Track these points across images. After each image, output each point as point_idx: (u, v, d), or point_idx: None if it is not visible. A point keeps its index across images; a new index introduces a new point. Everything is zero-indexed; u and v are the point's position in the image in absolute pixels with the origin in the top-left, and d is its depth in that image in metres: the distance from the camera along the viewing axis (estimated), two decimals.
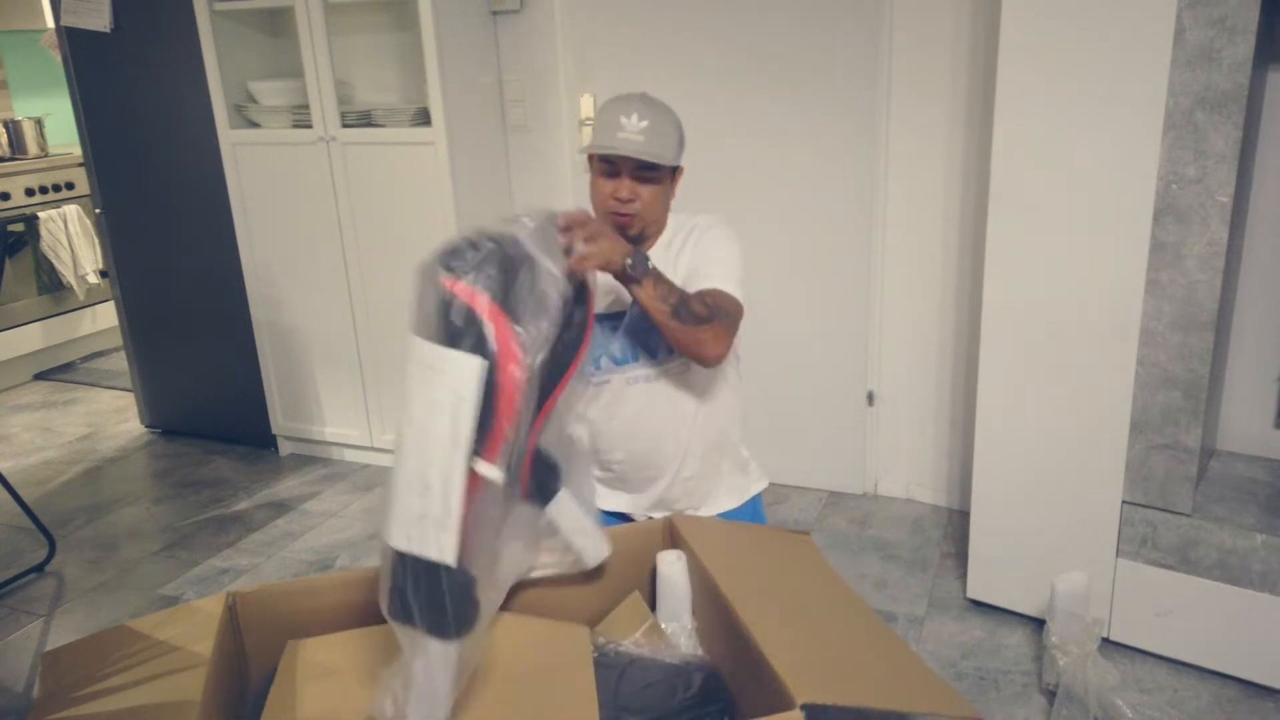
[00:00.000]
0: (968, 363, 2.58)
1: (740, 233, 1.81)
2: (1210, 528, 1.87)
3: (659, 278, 1.60)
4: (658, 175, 1.72)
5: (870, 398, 2.75)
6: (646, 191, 1.72)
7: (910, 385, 2.71)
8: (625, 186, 1.71)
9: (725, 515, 1.95)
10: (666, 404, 1.81)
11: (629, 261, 1.55)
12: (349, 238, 2.94)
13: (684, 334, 1.64)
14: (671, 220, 1.85)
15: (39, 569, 2.59)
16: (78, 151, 3.92)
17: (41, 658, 1.68)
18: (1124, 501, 1.96)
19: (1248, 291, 2.05)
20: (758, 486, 1.98)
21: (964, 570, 2.25)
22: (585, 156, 1.77)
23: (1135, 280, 1.84)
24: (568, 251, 1.41)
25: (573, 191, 2.92)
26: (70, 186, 4.31)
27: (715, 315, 1.67)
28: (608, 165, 1.71)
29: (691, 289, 1.69)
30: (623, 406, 1.81)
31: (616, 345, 1.81)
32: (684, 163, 1.80)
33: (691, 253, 1.78)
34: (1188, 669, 1.97)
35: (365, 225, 2.91)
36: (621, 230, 1.71)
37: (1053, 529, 2.06)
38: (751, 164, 2.68)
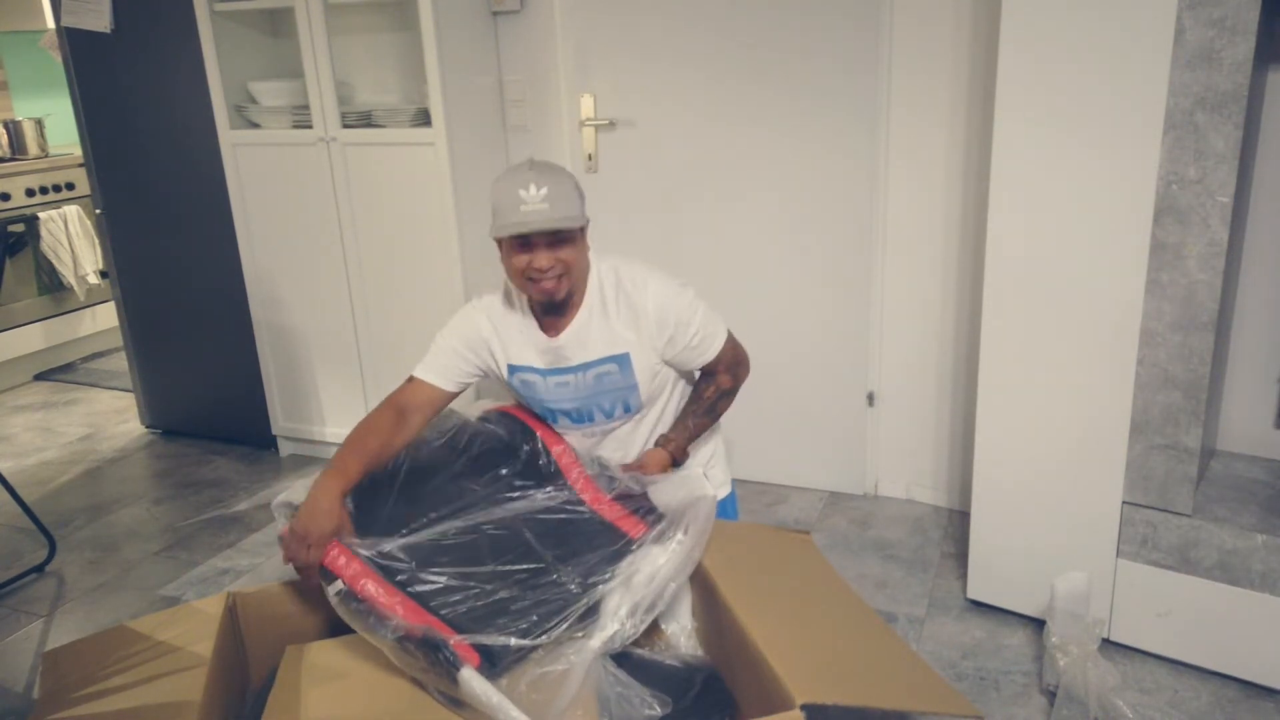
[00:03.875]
0: (968, 363, 2.58)
1: (660, 268, 1.89)
2: (1211, 528, 1.87)
3: (693, 436, 1.95)
4: (571, 236, 1.76)
5: (870, 398, 2.76)
6: (566, 254, 1.75)
7: (910, 386, 2.71)
8: (542, 257, 1.74)
9: None
10: (636, 438, 1.98)
11: (677, 457, 1.92)
12: (349, 238, 2.94)
13: (729, 405, 2.00)
14: (592, 278, 1.87)
15: (39, 569, 2.59)
16: (78, 152, 3.92)
17: (42, 658, 1.68)
18: (1124, 502, 1.96)
19: (1248, 292, 2.05)
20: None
21: (964, 570, 2.25)
22: (494, 239, 1.80)
23: (1135, 280, 1.84)
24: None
25: None
26: (70, 187, 4.31)
27: (737, 389, 1.99)
28: (519, 240, 1.74)
29: (664, 351, 1.87)
30: (606, 448, 1.98)
31: (580, 405, 1.92)
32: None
33: (639, 326, 1.84)
34: (1188, 669, 1.97)
35: (365, 225, 2.91)
36: (549, 296, 1.77)
37: (1053, 529, 2.06)
38: (751, 163, 2.68)
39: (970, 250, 2.51)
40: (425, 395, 1.89)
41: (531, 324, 1.87)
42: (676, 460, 1.92)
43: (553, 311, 1.84)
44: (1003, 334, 2.02)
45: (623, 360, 1.86)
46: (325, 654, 1.72)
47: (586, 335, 1.85)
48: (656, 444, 1.94)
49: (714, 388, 1.96)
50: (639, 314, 1.84)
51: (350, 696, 1.60)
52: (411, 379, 1.91)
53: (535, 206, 1.72)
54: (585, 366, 1.86)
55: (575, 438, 1.94)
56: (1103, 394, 1.93)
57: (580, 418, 1.92)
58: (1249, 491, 1.99)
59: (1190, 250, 1.78)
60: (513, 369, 1.91)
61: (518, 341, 1.89)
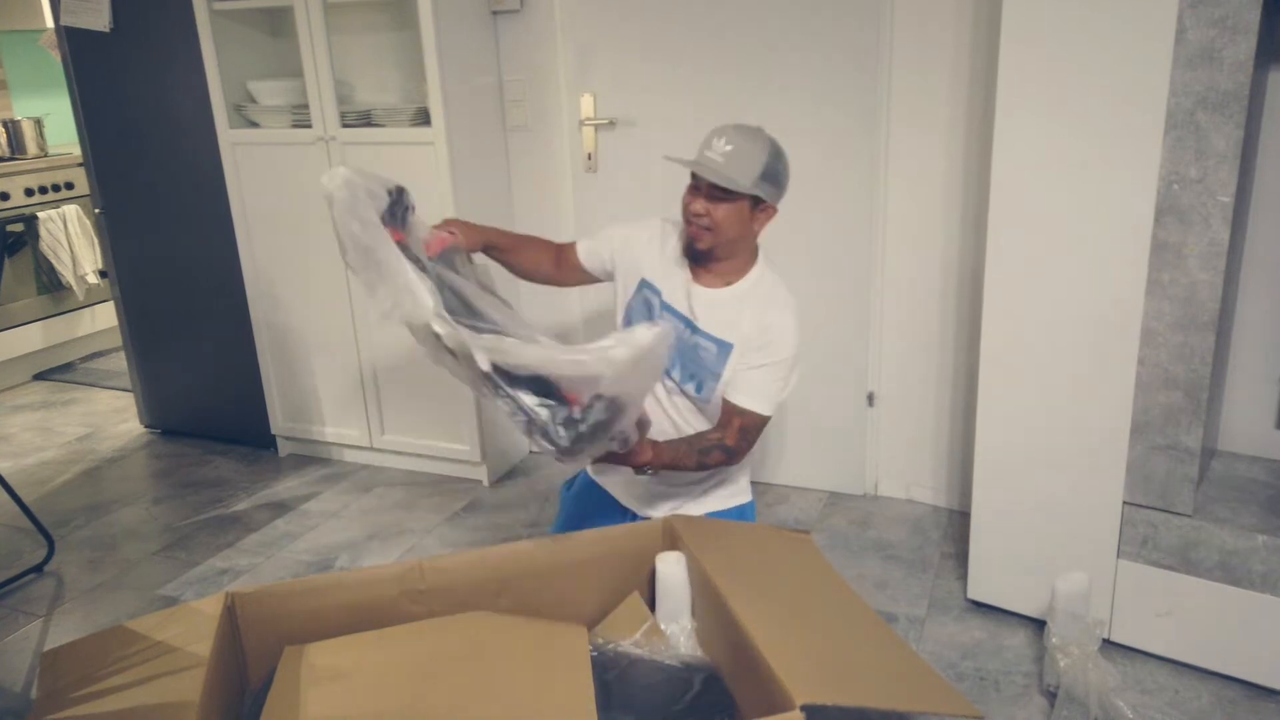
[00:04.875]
0: (968, 363, 2.58)
1: (797, 302, 1.93)
2: (1211, 528, 1.87)
3: (674, 466, 1.86)
4: (732, 198, 1.82)
5: (870, 398, 2.75)
6: (719, 211, 1.82)
7: (911, 386, 2.71)
8: (699, 203, 1.84)
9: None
10: (678, 418, 1.97)
11: (649, 471, 1.84)
12: None
13: (712, 467, 1.91)
14: (757, 269, 1.94)
15: (38, 569, 2.59)
16: (77, 151, 3.91)
17: (41, 658, 1.68)
18: (1125, 502, 1.96)
19: (1249, 291, 2.05)
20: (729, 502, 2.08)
21: (964, 571, 2.25)
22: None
23: (1136, 280, 1.84)
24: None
25: (572, 191, 2.92)
26: (70, 186, 4.30)
27: (732, 456, 1.89)
28: (693, 180, 1.86)
29: (743, 369, 1.87)
30: (664, 406, 1.97)
31: (687, 370, 1.94)
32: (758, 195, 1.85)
33: (753, 328, 1.88)
34: (1188, 670, 1.96)
35: None
36: (693, 239, 1.88)
37: (1053, 530, 2.05)
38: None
39: (970, 250, 2.51)
40: (572, 260, 2.09)
41: (687, 262, 1.95)
42: (646, 465, 1.82)
43: (700, 260, 1.92)
44: (1003, 334, 2.02)
45: (724, 348, 1.89)
46: (324, 655, 1.72)
47: (719, 309, 1.91)
48: (650, 442, 1.83)
49: (719, 434, 1.90)
50: (761, 325, 1.88)
51: (349, 697, 1.60)
52: (574, 243, 2.11)
53: (712, 155, 1.82)
54: (696, 330, 1.91)
55: (672, 385, 1.97)
56: (1103, 394, 1.92)
57: (687, 377, 1.95)
58: (1250, 492, 1.99)
59: (1191, 250, 1.78)
60: (645, 284, 1.99)
61: (667, 266, 1.97)
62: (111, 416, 3.80)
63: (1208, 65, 1.69)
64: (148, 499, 3.03)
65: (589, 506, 2.13)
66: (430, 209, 2.78)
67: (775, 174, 1.85)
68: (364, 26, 2.97)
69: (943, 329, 2.62)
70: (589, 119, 2.83)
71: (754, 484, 2.88)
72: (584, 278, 2.11)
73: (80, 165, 4.15)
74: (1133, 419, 1.90)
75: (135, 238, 3.35)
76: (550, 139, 2.94)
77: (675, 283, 1.95)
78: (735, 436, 1.89)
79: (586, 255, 2.08)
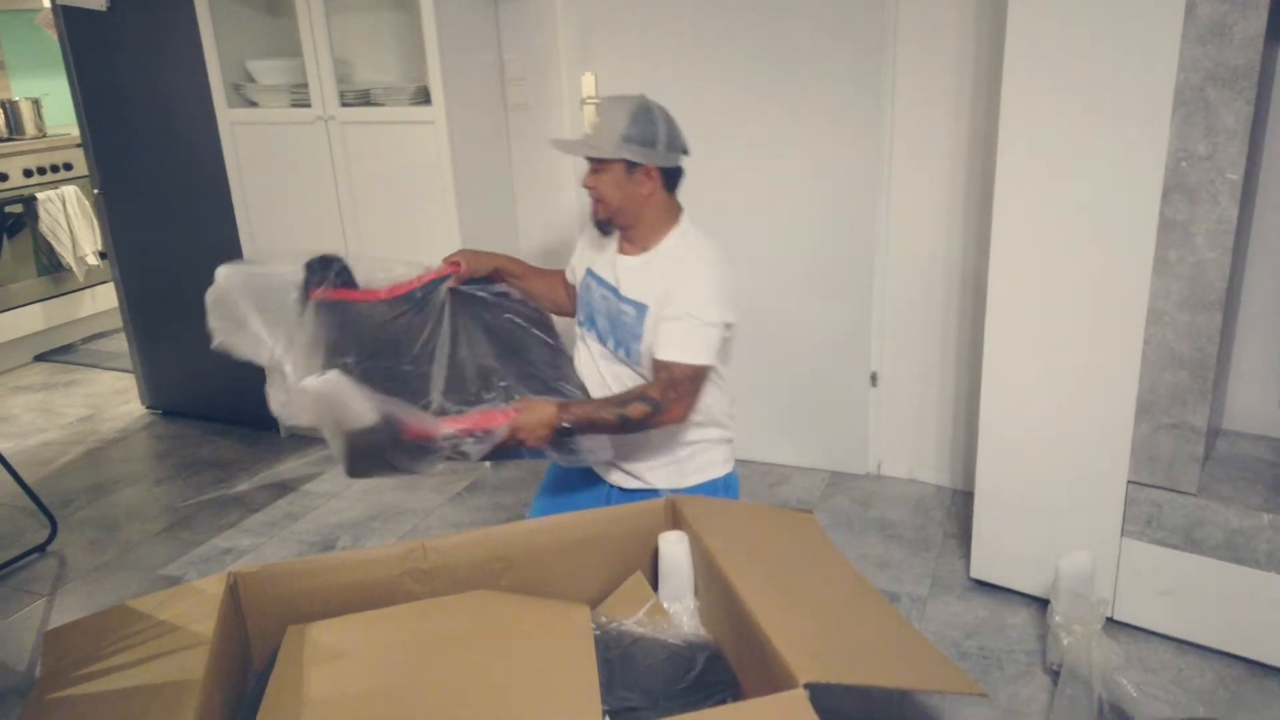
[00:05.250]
0: (972, 343, 2.57)
1: (725, 260, 1.94)
2: (1216, 507, 1.86)
3: (592, 421, 1.82)
4: (605, 167, 1.91)
5: (874, 379, 2.74)
6: (599, 182, 1.92)
7: (914, 366, 2.70)
8: (588, 178, 1.95)
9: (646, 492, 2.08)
10: (615, 385, 2.00)
11: (564, 426, 1.80)
12: (348, 217, 2.92)
13: (639, 431, 1.88)
14: (676, 232, 1.98)
15: (41, 549, 2.59)
16: (76, 132, 3.89)
17: (44, 637, 1.68)
18: (1129, 481, 1.95)
19: (1256, 270, 2.03)
20: (655, 484, 2.08)
21: (967, 550, 2.25)
22: None
23: (1143, 259, 1.82)
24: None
25: (572, 169, 2.90)
26: (69, 167, 4.28)
27: (658, 408, 1.85)
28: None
29: (660, 322, 1.88)
30: (602, 371, 2.03)
31: (606, 325, 2.02)
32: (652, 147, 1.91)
33: (667, 286, 1.91)
34: (1192, 648, 1.96)
35: (365, 205, 2.89)
36: (594, 212, 1.98)
37: (1057, 509, 2.05)
38: (753, 141, 2.66)
39: (975, 228, 2.49)
40: (570, 287, 2.19)
41: (615, 239, 2.03)
42: (561, 423, 1.80)
43: (610, 231, 2.02)
44: (1008, 313, 2.01)
45: (641, 310, 1.93)
46: (327, 634, 1.72)
47: (637, 274, 1.97)
48: (559, 402, 1.85)
49: (644, 388, 1.88)
50: (675, 282, 1.91)
51: (352, 676, 1.60)
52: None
53: (587, 130, 2.00)
54: (620, 297, 1.98)
55: (586, 343, 2.07)
56: (1109, 374, 1.91)
57: (603, 337, 2.03)
58: (1255, 471, 1.98)
59: (1199, 228, 1.76)
60: (589, 272, 2.08)
61: (598, 247, 2.08)
62: (113, 397, 3.79)
63: (1218, 40, 1.67)
64: (150, 479, 3.03)
65: (570, 472, 2.17)
66: (430, 187, 2.77)
67: (641, 135, 1.89)
68: (363, 4, 2.94)
69: (946, 308, 2.60)
70: (590, 97, 2.81)
71: (757, 464, 2.89)
72: (572, 296, 2.18)
73: (79, 146, 4.12)
74: (1138, 398, 1.89)
75: (135, 218, 3.34)
76: (551, 117, 2.92)
77: (605, 257, 2.04)
78: (660, 389, 1.87)
79: (570, 275, 2.18)
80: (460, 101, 2.73)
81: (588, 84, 2.80)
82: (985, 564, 2.21)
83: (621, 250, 2.01)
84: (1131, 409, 1.91)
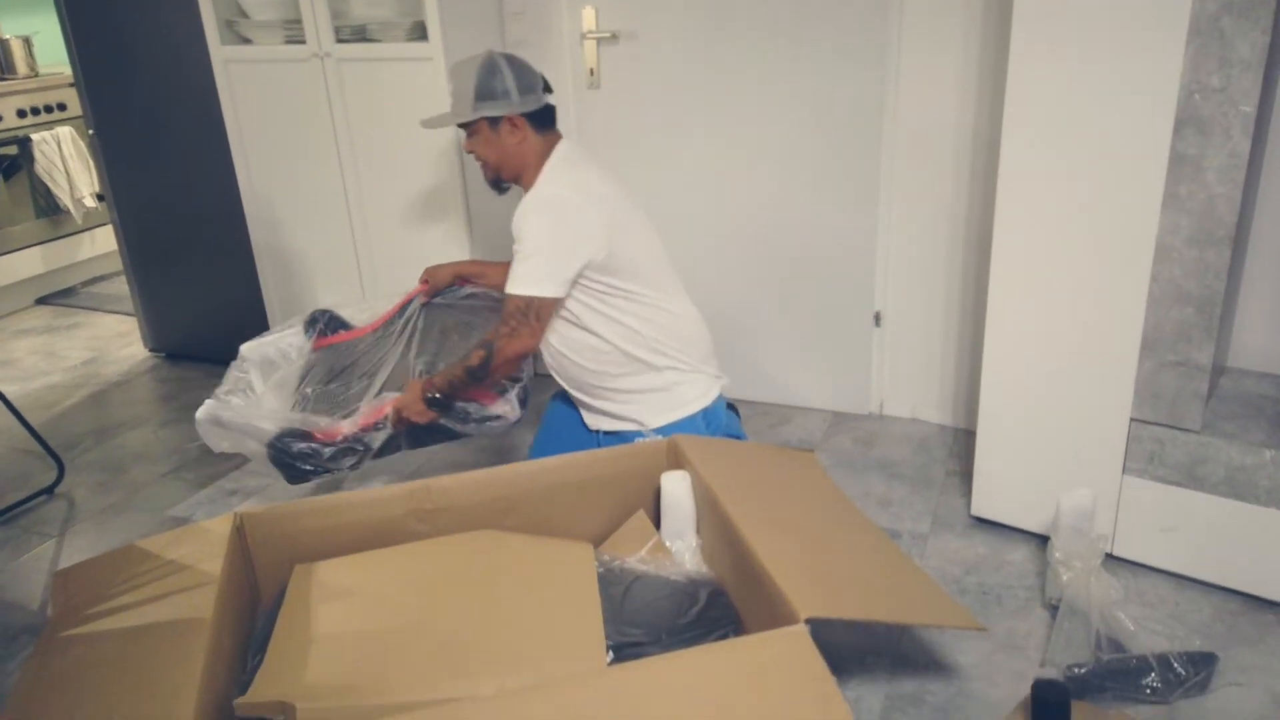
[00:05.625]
0: (977, 281, 2.55)
1: (569, 185, 1.99)
2: (1219, 444, 1.87)
3: (450, 382, 1.99)
4: (475, 129, 2.03)
5: (877, 318, 2.73)
6: (475, 145, 2.06)
7: (918, 305, 2.68)
8: (465, 143, 2.09)
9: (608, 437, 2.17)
10: (565, 344, 2.11)
11: (432, 397, 1.99)
12: (346, 157, 2.88)
13: (493, 379, 2.01)
14: (544, 171, 2.04)
15: (49, 491, 2.61)
16: (68, 71, 3.83)
17: (54, 577, 1.70)
18: (1132, 419, 1.95)
19: (1267, 205, 2.01)
20: (636, 416, 2.12)
21: (969, 488, 2.26)
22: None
23: (1153, 194, 1.79)
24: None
25: (574, 109, 2.86)
26: (62, 107, 4.22)
27: (489, 346, 1.97)
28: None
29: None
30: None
31: None
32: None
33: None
34: (1190, 583, 1.98)
35: (363, 143, 2.85)
36: (485, 177, 2.12)
37: (1059, 447, 2.05)
38: (757, 75, 2.60)
39: (982, 164, 2.45)
40: None
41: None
42: (426, 395, 1.99)
43: (505, 191, 2.15)
44: (1014, 249, 1.99)
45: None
46: (333, 572, 1.74)
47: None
48: (422, 379, 2.07)
49: (477, 352, 1.99)
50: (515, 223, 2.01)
51: (359, 614, 1.62)
52: None
53: (449, 103, 2.06)
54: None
55: None
56: (1114, 311, 1.90)
57: None
58: (1258, 408, 1.98)
59: (1210, 162, 1.73)
60: None
61: None
62: (115, 340, 3.79)
63: None
64: (155, 422, 3.05)
65: (561, 416, 2.26)
66: (429, 132, 2.72)
67: (490, 90, 1.98)
68: None
69: (952, 246, 2.58)
70: (591, 32, 2.75)
71: (759, 404, 2.89)
72: None
73: (72, 85, 4.07)
74: (1143, 335, 1.88)
75: (131, 160, 3.30)
76: (550, 53, 2.86)
77: None
78: (494, 329, 1.99)
79: None
80: (458, 37, 2.67)
81: (588, 18, 2.74)
82: (986, 502, 2.22)
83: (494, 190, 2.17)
84: (1136, 346, 1.90)
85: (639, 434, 2.08)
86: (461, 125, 2.06)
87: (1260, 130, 1.81)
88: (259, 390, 2.23)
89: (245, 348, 2.32)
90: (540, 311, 1.95)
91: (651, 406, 2.09)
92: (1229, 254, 1.76)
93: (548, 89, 2.07)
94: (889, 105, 2.50)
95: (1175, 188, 1.77)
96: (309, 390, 2.22)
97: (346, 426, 2.02)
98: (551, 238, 1.93)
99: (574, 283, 1.97)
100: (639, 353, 2.05)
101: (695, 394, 2.11)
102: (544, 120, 2.05)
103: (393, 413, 2.02)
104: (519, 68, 2.01)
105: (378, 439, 2.03)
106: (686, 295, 2.15)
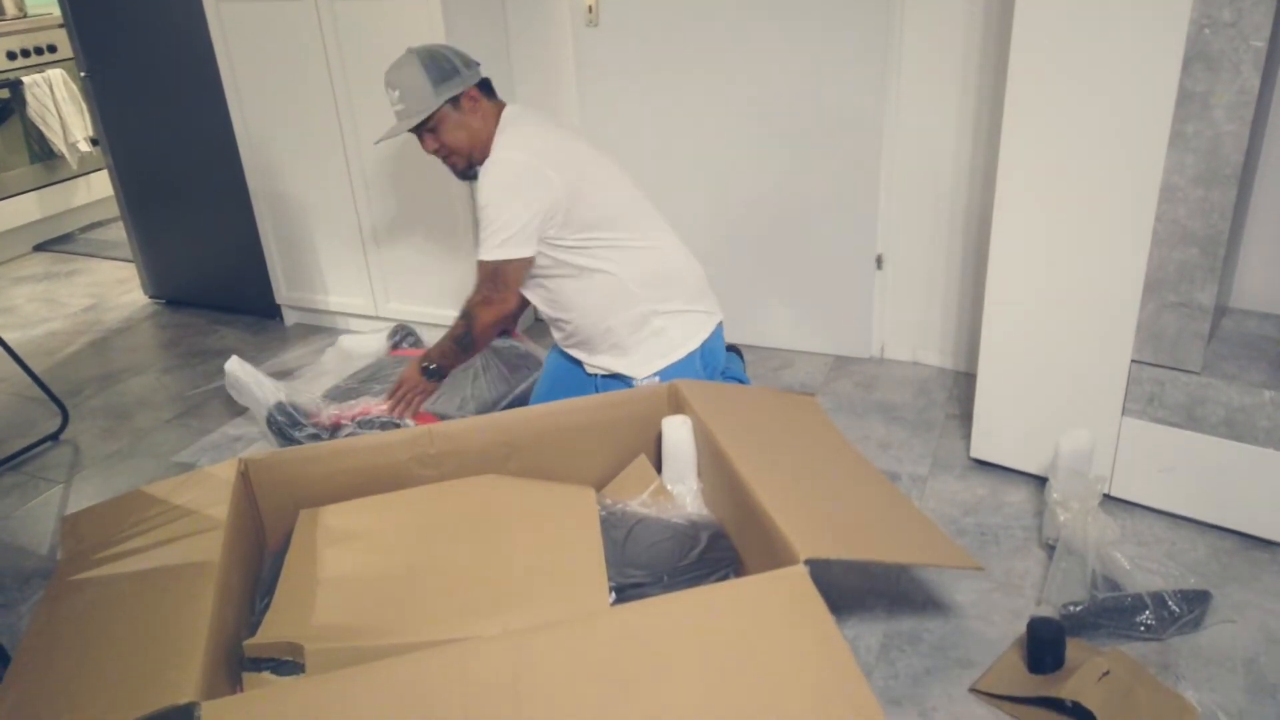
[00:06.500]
0: (980, 223, 2.53)
1: (522, 146, 1.99)
2: (1219, 385, 1.87)
3: (442, 359, 2.11)
4: (438, 119, 2.00)
5: (879, 261, 2.72)
6: (441, 137, 2.02)
7: (920, 248, 2.67)
8: (427, 144, 2.04)
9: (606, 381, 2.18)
10: (535, 298, 2.15)
11: (427, 367, 2.12)
12: (342, 100, 2.84)
13: (479, 345, 2.10)
14: (498, 138, 2.03)
15: (54, 438, 2.63)
16: (57, 12, 3.76)
17: (62, 522, 1.72)
18: (1133, 360, 1.95)
19: (1275, 143, 1.98)
20: (627, 370, 2.14)
21: (968, 431, 2.27)
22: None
23: (1159, 133, 1.77)
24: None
25: (573, 48, 2.81)
26: (53, 49, 4.15)
27: (466, 313, 2.05)
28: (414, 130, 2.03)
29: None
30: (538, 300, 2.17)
31: None
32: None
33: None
34: (1186, 523, 2.00)
35: (359, 87, 2.80)
36: (454, 173, 2.09)
37: (1059, 389, 2.06)
38: (759, 11, 2.55)
39: (987, 104, 2.42)
40: None
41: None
42: (425, 368, 2.11)
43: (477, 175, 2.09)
44: (1017, 190, 1.97)
45: None
46: (338, 517, 1.76)
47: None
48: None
49: (461, 323, 2.07)
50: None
51: (364, 556, 1.64)
52: None
53: (396, 108, 2.01)
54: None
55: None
56: (1118, 251, 1.89)
57: None
58: (1259, 349, 1.98)
59: (1219, 99, 1.70)
60: None
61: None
62: (115, 287, 3.79)
63: None
64: (157, 368, 3.05)
65: (562, 363, 2.25)
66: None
67: (442, 74, 1.98)
68: None
69: (955, 187, 2.55)
70: None
71: (760, 348, 2.90)
72: None
73: (61, 27, 3.99)
74: (1146, 276, 1.87)
75: (124, 103, 3.25)
76: None
77: None
78: (469, 297, 2.05)
79: None
80: None
81: None
82: (985, 444, 2.23)
83: (463, 181, 2.17)
84: (1139, 287, 1.89)
85: (629, 380, 2.09)
86: (423, 125, 2.01)
87: (1271, 66, 1.77)
88: (328, 368, 2.61)
89: (343, 339, 2.75)
90: (509, 274, 1.99)
91: (643, 355, 2.09)
92: (1234, 193, 1.75)
93: (477, 63, 2.09)
94: (893, 43, 2.46)
95: (1182, 125, 1.75)
96: (353, 384, 2.47)
97: (327, 415, 2.29)
98: (508, 200, 1.94)
99: (538, 239, 1.97)
100: (623, 300, 2.06)
101: (683, 335, 2.11)
102: (489, 89, 2.08)
103: (399, 391, 2.17)
104: (449, 48, 2.04)
105: (364, 426, 2.26)
106: (671, 231, 2.14)
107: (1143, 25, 1.73)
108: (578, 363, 2.19)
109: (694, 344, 2.11)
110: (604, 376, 2.14)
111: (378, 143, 2.13)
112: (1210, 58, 1.69)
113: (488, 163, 1.99)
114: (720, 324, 2.18)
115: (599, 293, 2.05)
